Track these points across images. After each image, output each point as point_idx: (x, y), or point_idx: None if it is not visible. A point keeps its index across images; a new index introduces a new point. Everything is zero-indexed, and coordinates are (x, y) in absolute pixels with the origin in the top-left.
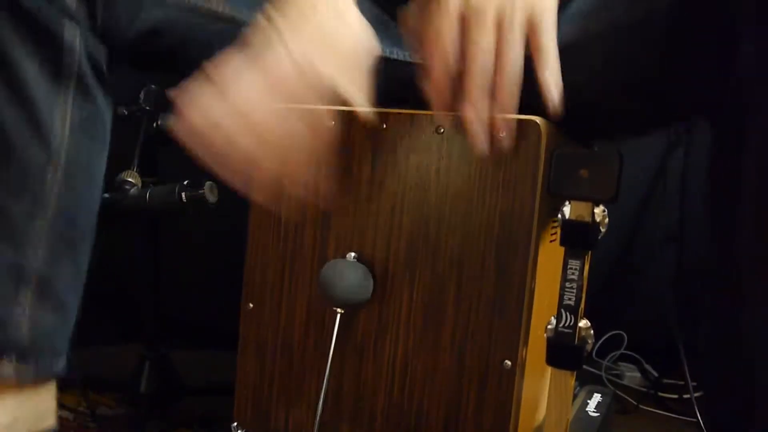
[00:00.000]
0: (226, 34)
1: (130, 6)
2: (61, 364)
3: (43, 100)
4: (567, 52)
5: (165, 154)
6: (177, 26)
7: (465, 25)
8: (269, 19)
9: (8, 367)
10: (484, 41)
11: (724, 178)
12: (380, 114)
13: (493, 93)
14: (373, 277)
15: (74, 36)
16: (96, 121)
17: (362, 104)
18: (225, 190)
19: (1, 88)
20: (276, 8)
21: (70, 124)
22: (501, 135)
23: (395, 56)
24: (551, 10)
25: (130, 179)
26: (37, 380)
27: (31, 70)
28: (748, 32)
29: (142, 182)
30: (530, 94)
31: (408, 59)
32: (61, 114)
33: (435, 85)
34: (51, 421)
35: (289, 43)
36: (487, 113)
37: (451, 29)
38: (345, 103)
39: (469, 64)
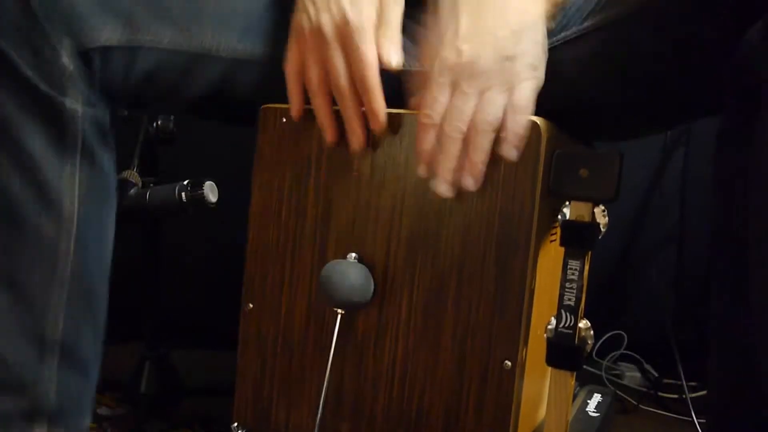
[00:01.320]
0: (218, 72)
1: (126, 58)
2: (87, 422)
3: (50, 172)
4: (565, 49)
5: (165, 154)
6: (170, 70)
7: (456, 82)
8: None
9: None
10: (466, 94)
11: (729, 176)
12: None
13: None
14: (373, 277)
15: (76, 105)
16: (103, 185)
17: (390, 59)
18: (225, 190)
19: (9, 163)
20: None
21: (78, 192)
22: (468, 180)
23: None
24: (538, 74)
25: (130, 179)
26: None
27: (36, 144)
28: (756, 24)
29: (142, 182)
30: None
31: (405, 67)
32: (69, 184)
33: (420, 145)
34: None
35: (320, 4)
36: (451, 172)
37: (442, 100)
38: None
39: (450, 116)
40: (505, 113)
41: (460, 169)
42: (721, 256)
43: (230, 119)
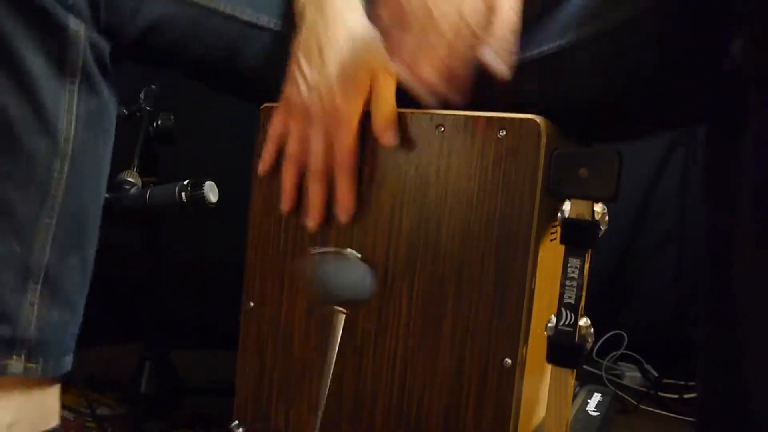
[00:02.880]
0: (226, 32)
1: (132, 1)
2: (67, 363)
3: (49, 94)
4: (562, 54)
5: (165, 154)
6: (178, 22)
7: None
8: (295, 61)
9: (16, 365)
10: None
11: (721, 178)
12: None
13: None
14: (373, 276)
15: (78, 30)
16: (102, 114)
17: (389, 141)
18: (225, 190)
19: (7, 81)
20: (297, 46)
21: (76, 117)
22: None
23: None
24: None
25: (130, 179)
26: (43, 379)
27: (36, 64)
28: (741, 29)
29: (142, 182)
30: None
31: None
32: (67, 107)
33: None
34: (55, 421)
35: (312, 83)
36: (419, 71)
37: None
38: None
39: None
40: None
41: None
42: (710, 257)
43: (235, 90)
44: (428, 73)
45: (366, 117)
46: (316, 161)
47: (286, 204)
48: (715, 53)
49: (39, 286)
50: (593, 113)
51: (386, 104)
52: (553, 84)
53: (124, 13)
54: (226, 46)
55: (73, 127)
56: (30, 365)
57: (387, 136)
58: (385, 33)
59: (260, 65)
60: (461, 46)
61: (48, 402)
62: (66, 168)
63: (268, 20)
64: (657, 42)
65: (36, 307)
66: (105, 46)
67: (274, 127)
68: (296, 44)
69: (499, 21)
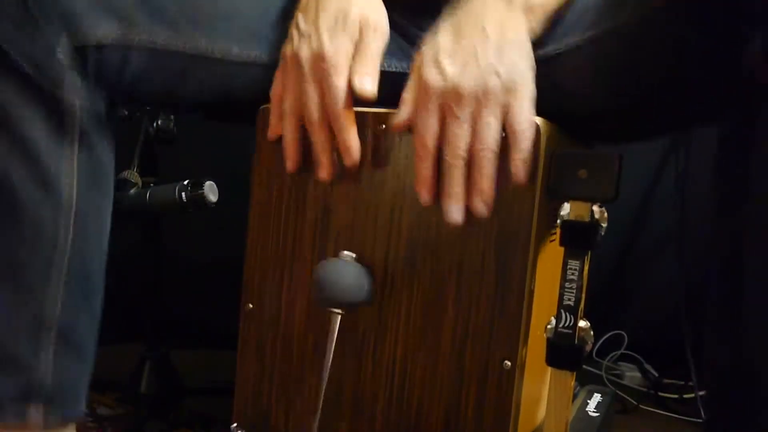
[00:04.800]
0: (216, 74)
1: (120, 56)
2: (82, 408)
3: (49, 158)
4: (565, 56)
5: (165, 154)
6: (166, 70)
7: (446, 106)
8: (294, 21)
9: (36, 414)
10: (460, 118)
11: (731, 179)
12: (379, 114)
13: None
14: (373, 277)
15: (73, 93)
16: (101, 173)
17: (363, 89)
18: (225, 190)
19: (9, 150)
20: (298, 8)
21: (77, 180)
22: (478, 206)
23: (392, 68)
24: (528, 87)
25: (130, 179)
26: (62, 424)
27: (36, 132)
28: (757, 32)
29: (142, 182)
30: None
31: (405, 71)
32: (67, 170)
33: (419, 173)
34: None
35: (304, 33)
36: (462, 198)
37: (432, 125)
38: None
39: (446, 141)
40: (508, 137)
41: (467, 193)
42: (720, 260)
43: (229, 119)
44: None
45: (366, 117)
46: (311, 111)
47: (290, 161)
48: (727, 56)
49: (52, 338)
50: (598, 115)
51: (368, 56)
52: (558, 84)
53: (113, 67)
54: (216, 86)
55: (74, 188)
56: (49, 414)
57: (363, 84)
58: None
59: (252, 98)
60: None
61: None
62: (71, 227)
63: (258, 54)
64: (666, 44)
65: (51, 358)
66: (101, 105)
67: (274, 89)
68: (297, 8)
69: (520, 146)
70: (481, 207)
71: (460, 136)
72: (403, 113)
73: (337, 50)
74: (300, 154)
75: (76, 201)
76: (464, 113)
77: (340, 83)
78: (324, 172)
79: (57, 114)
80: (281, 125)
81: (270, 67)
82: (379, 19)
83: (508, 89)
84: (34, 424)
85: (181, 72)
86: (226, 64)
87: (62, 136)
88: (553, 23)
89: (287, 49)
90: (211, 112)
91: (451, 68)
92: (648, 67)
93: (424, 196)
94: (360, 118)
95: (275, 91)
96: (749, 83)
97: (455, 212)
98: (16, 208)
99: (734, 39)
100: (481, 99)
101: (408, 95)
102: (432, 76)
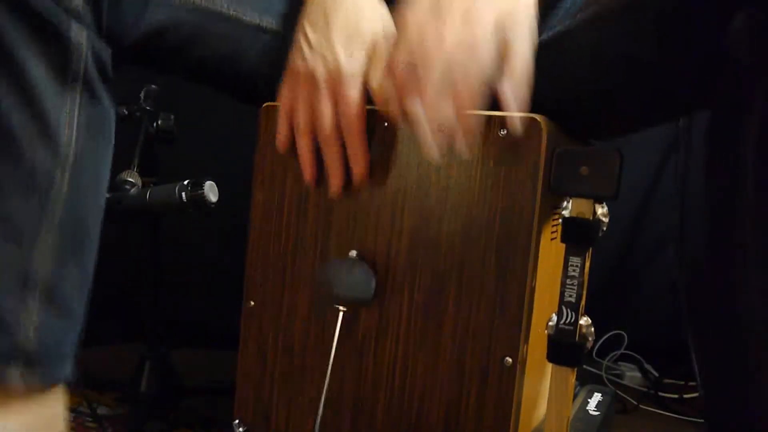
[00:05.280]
0: (229, 35)
1: (135, 7)
2: (68, 370)
3: (50, 102)
4: (560, 43)
5: (165, 154)
6: (182, 26)
7: (431, 16)
8: (300, 29)
9: (16, 374)
10: (447, 32)
11: (722, 169)
12: (380, 113)
13: (454, 91)
14: (375, 275)
15: (81, 37)
16: (102, 122)
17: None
18: (225, 189)
19: (8, 89)
20: (304, 16)
21: (77, 125)
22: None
23: None
24: (527, 11)
25: (130, 179)
26: (44, 386)
27: (38, 72)
28: (740, 10)
29: (142, 182)
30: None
31: None
32: (68, 115)
33: (388, 72)
34: (60, 428)
35: (316, 47)
36: (441, 113)
37: (418, 20)
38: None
39: (428, 53)
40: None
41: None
42: (712, 258)
43: (237, 92)
44: (448, 119)
45: (368, 116)
46: (324, 125)
47: (308, 174)
48: (714, 37)
49: (38, 295)
50: (591, 102)
51: (381, 65)
52: (551, 71)
53: (128, 18)
54: (229, 49)
55: (74, 135)
56: (29, 374)
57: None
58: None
59: (263, 67)
60: (478, 94)
61: (51, 410)
62: (67, 176)
63: (271, 21)
64: (655, 25)
65: (35, 316)
66: (107, 52)
67: (283, 101)
68: (303, 16)
69: (514, 67)
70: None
71: (449, 27)
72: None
73: (355, 65)
74: (316, 166)
75: (75, 148)
76: (456, 11)
77: (355, 97)
78: (337, 185)
79: (61, 53)
80: (288, 135)
81: (280, 36)
82: (389, 27)
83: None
84: (15, 386)
85: (196, 29)
86: (240, 25)
87: (64, 78)
88: (549, 13)
89: (298, 63)
90: (220, 82)
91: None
92: (639, 47)
93: (381, 96)
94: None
95: (284, 103)
96: (733, 63)
97: (426, 128)
98: (11, 150)
99: (720, 17)
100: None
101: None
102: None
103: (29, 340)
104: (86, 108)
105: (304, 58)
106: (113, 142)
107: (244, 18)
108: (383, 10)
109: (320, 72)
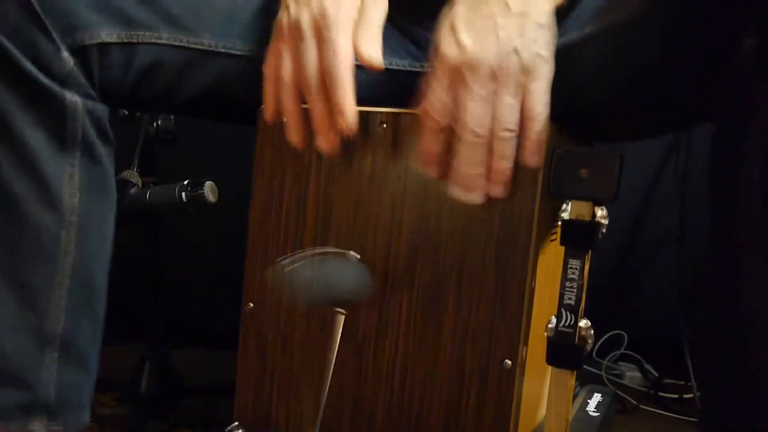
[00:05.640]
0: (219, 68)
1: (124, 55)
2: (86, 416)
3: (51, 168)
4: (567, 52)
5: (165, 154)
6: (170, 65)
7: (460, 80)
8: None
9: (39, 427)
10: (477, 96)
11: (724, 181)
12: (380, 113)
13: (489, 146)
14: (374, 276)
15: (75, 100)
16: (103, 180)
17: (371, 56)
18: (225, 190)
19: (9, 158)
20: None
21: (79, 188)
22: (496, 188)
23: (394, 66)
24: (547, 68)
25: (130, 179)
26: None
27: (37, 140)
28: (751, 28)
29: (142, 182)
30: None
31: (406, 68)
32: (69, 179)
33: (422, 147)
34: None
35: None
36: (478, 170)
37: (442, 97)
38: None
39: (462, 119)
40: (522, 119)
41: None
42: (715, 262)
43: (230, 118)
44: (479, 179)
45: (367, 116)
46: (310, 75)
47: (295, 135)
48: (725, 51)
49: (55, 352)
50: (596, 112)
51: (371, 25)
52: (556, 81)
53: (117, 66)
54: (216, 82)
55: (77, 198)
56: (52, 426)
57: (370, 51)
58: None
59: (251, 92)
60: (506, 152)
61: None
62: (73, 238)
63: (257, 47)
64: (664, 39)
65: (54, 371)
66: (103, 111)
67: (269, 62)
68: None
69: (533, 126)
70: (500, 189)
71: (481, 114)
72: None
73: (341, 11)
74: (305, 127)
75: (78, 209)
76: (486, 90)
77: (344, 43)
78: (327, 143)
79: (58, 117)
80: (274, 100)
81: (253, 60)
82: None
83: (527, 69)
84: None
85: (184, 68)
86: (228, 58)
87: (63, 142)
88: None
89: (283, 18)
90: (212, 113)
91: (468, 39)
92: (647, 63)
93: (431, 171)
94: (361, 118)
95: (269, 64)
96: (740, 81)
97: (476, 193)
98: (17, 217)
99: (733, 32)
100: (498, 76)
101: (429, 72)
102: (448, 47)
103: (50, 394)
104: (87, 170)
105: (288, 13)
106: (115, 200)
107: (234, 51)
108: None
109: (305, 21)
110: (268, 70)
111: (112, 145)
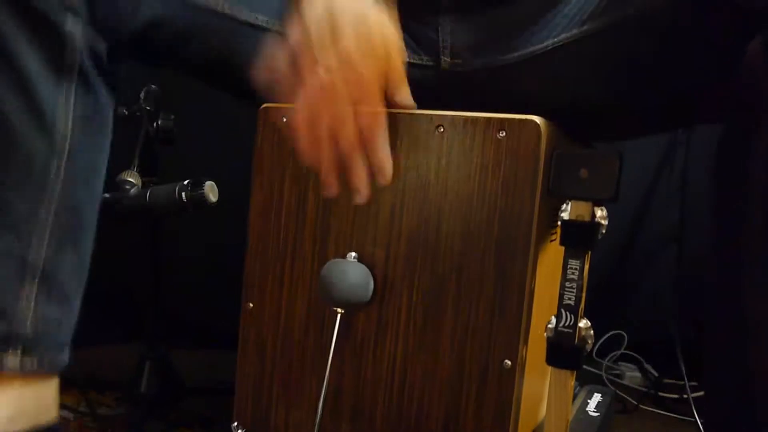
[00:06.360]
0: (224, 31)
1: (131, 0)
2: (64, 357)
3: (46, 94)
4: (566, 49)
5: (165, 154)
6: (177, 21)
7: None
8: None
9: (13, 360)
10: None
11: (729, 186)
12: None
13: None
14: (374, 277)
15: (76, 30)
16: (98, 114)
17: (407, 103)
18: (225, 189)
19: (4, 81)
20: (302, 16)
21: (72, 117)
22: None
23: None
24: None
25: (130, 179)
26: (40, 373)
27: (34, 64)
28: (758, 31)
29: (142, 182)
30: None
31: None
32: (63, 107)
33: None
34: (53, 414)
35: (325, 65)
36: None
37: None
38: None
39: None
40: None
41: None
42: (719, 263)
43: (233, 88)
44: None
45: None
46: (348, 134)
47: (333, 188)
48: (729, 52)
49: (36, 282)
50: (594, 108)
51: (400, 76)
52: (555, 78)
53: (123, 11)
54: (223, 45)
55: (69, 126)
56: (26, 360)
57: (406, 101)
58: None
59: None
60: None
61: (46, 396)
62: (62, 166)
63: (265, 19)
64: (665, 38)
65: (33, 303)
66: (102, 45)
67: (301, 117)
68: (300, 31)
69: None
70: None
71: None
72: None
73: (372, 73)
74: (340, 180)
75: (71, 138)
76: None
77: (378, 104)
78: (364, 198)
79: (55, 45)
80: (312, 147)
81: (275, 33)
82: (397, 34)
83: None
84: (11, 369)
85: (190, 24)
86: (235, 23)
87: (59, 69)
88: (551, 18)
89: (312, 78)
90: (212, 79)
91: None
92: (645, 62)
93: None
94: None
95: (302, 118)
96: (748, 88)
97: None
98: (7, 140)
99: (737, 35)
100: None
101: None
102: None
103: (27, 327)
104: (82, 99)
105: (319, 76)
106: (111, 134)
107: (239, 16)
108: (384, 11)
109: (339, 84)
110: (301, 120)
111: (111, 85)
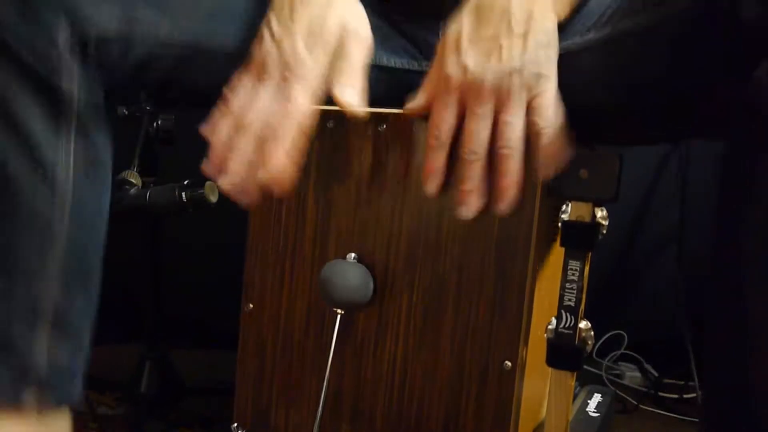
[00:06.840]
0: (216, 63)
1: (122, 47)
2: (77, 390)
3: (46, 146)
4: (572, 56)
5: (165, 154)
6: (167, 58)
7: (462, 100)
8: (266, 20)
9: (30, 396)
10: (477, 116)
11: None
12: (380, 115)
13: (492, 165)
14: (374, 277)
15: (71, 81)
16: (98, 161)
17: (349, 102)
18: None
19: (6, 136)
20: (271, 8)
21: (73, 167)
22: (501, 206)
23: (393, 65)
24: (552, 82)
25: (130, 179)
26: (55, 406)
27: (33, 122)
28: (763, 63)
29: (142, 182)
30: None
31: (405, 67)
32: (64, 158)
33: (427, 163)
34: None
35: (276, 36)
36: (471, 186)
37: (448, 119)
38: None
39: (462, 137)
40: (530, 135)
41: (481, 191)
42: (719, 263)
43: None
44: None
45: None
46: (256, 117)
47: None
48: (737, 71)
49: (47, 324)
50: (597, 117)
51: (351, 67)
52: (565, 82)
53: (113, 58)
54: (213, 76)
55: (71, 176)
56: (42, 395)
57: (345, 95)
58: None
59: None
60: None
61: (61, 428)
62: (66, 214)
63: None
64: (672, 52)
65: (45, 342)
66: (99, 94)
67: (231, 88)
68: (270, 7)
69: (538, 141)
70: (504, 206)
71: (478, 133)
72: (419, 99)
73: (310, 61)
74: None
75: (72, 189)
76: (484, 110)
77: (304, 98)
78: (241, 193)
79: (54, 103)
80: (221, 126)
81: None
82: (360, 25)
83: (530, 87)
84: (28, 407)
85: (180, 61)
86: (224, 54)
87: (59, 124)
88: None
89: (254, 50)
90: (207, 106)
91: (471, 60)
92: (650, 75)
93: (430, 187)
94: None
95: (232, 90)
96: (754, 111)
97: (468, 208)
98: (12, 196)
99: (742, 57)
100: (498, 97)
101: (428, 82)
102: (452, 68)
103: (42, 366)
104: (81, 151)
105: (261, 47)
106: (110, 181)
107: (229, 49)
108: (357, 7)
109: (273, 60)
110: (230, 92)
111: (109, 130)
